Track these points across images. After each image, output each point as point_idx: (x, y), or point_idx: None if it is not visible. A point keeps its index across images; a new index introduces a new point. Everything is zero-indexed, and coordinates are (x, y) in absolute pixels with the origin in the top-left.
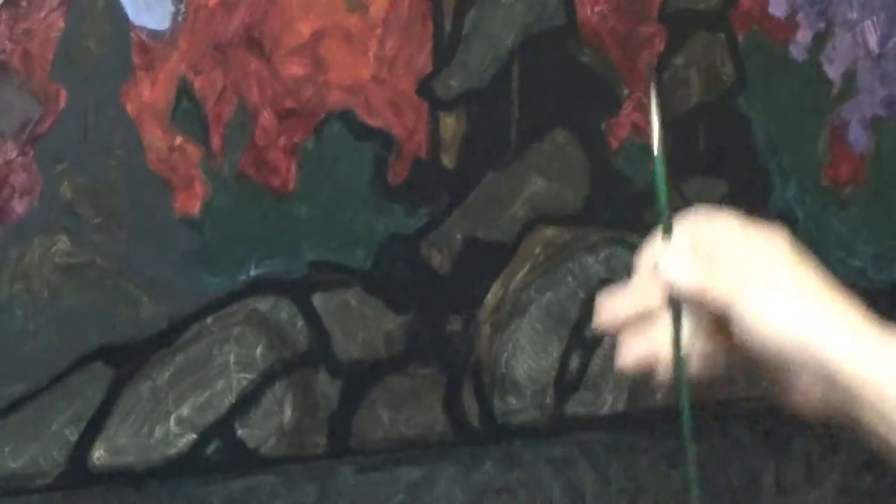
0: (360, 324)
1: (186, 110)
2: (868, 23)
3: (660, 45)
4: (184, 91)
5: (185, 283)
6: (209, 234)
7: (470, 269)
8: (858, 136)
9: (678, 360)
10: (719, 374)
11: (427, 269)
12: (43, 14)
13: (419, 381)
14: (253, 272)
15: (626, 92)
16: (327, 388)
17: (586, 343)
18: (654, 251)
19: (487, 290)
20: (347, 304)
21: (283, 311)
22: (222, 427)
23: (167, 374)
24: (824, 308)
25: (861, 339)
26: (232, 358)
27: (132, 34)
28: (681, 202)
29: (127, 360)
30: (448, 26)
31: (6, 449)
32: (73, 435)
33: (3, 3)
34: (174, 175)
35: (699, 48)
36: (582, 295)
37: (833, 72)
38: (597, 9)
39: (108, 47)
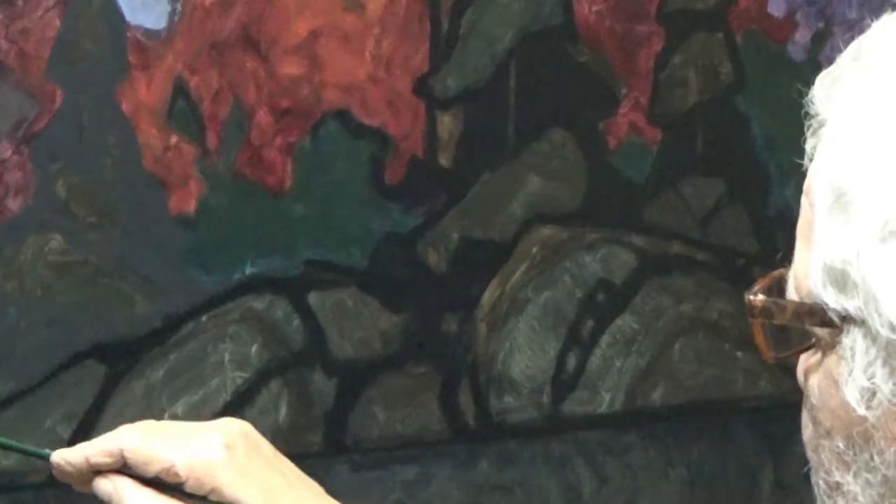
0: (356, 322)
1: (182, 109)
2: (868, 22)
3: (658, 45)
4: (180, 90)
5: (179, 281)
6: (204, 232)
7: (466, 268)
8: None
9: None
10: None
11: (423, 268)
12: (39, 13)
13: (415, 380)
14: (248, 271)
15: (623, 91)
16: (323, 386)
17: (583, 342)
18: None
19: (484, 289)
20: (343, 302)
21: (278, 309)
22: None
23: (161, 372)
24: None
25: None
26: (227, 356)
27: (128, 33)
28: (679, 201)
29: (120, 357)
30: (445, 26)
31: None
32: (65, 432)
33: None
34: (170, 174)
35: (698, 48)
36: (579, 294)
37: None
38: (594, 8)
39: (104, 46)
